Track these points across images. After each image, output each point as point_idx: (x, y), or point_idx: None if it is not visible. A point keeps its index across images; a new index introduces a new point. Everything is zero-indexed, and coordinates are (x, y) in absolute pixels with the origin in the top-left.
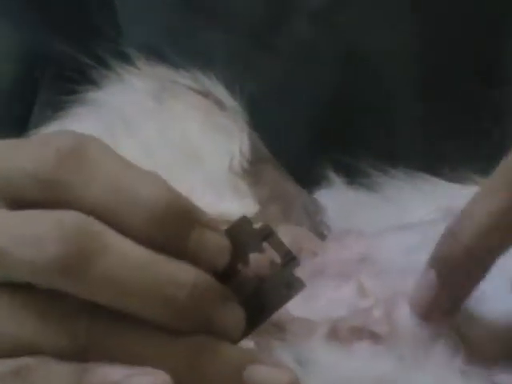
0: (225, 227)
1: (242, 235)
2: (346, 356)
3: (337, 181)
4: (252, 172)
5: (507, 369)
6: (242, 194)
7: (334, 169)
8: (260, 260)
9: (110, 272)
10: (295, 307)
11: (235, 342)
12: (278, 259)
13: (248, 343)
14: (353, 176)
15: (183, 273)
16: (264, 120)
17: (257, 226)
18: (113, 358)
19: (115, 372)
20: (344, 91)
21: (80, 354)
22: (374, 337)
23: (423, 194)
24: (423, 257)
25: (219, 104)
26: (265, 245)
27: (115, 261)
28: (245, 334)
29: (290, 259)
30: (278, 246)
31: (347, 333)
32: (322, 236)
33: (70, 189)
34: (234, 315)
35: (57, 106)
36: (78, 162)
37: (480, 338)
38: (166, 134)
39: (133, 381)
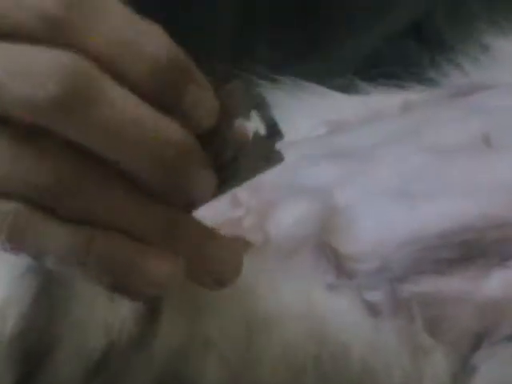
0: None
1: (232, 99)
2: None
3: None
4: None
5: (378, 285)
6: None
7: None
8: (244, 127)
9: (105, 119)
10: None
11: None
12: (263, 130)
13: None
14: None
15: (174, 132)
16: None
17: (251, 93)
18: (91, 206)
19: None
20: None
21: (61, 194)
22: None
23: (309, 105)
24: (299, 174)
25: None
26: (253, 114)
27: (111, 110)
28: (212, 196)
29: (275, 132)
30: (267, 117)
31: None
32: None
33: (75, 32)
34: (207, 183)
35: None
36: (86, 6)
37: (351, 254)
38: None
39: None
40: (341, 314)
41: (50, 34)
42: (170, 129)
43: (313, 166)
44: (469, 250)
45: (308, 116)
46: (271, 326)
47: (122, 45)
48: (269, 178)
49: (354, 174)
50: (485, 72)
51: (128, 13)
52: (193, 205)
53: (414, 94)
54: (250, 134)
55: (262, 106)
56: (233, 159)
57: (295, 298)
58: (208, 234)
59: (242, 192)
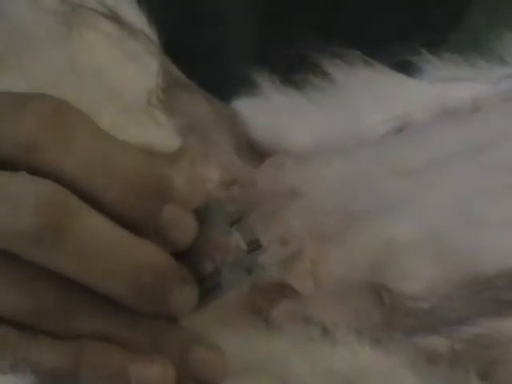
0: (197, 206)
1: (212, 216)
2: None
3: (264, 82)
4: (167, 100)
5: (434, 326)
6: (163, 127)
7: (260, 64)
8: (225, 241)
9: (81, 248)
10: None
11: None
12: (244, 245)
13: None
14: (287, 71)
15: (150, 255)
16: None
17: (229, 209)
18: (76, 325)
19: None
20: None
21: (46, 317)
22: (295, 296)
23: (378, 92)
24: (358, 196)
25: (129, 28)
26: (233, 229)
27: (86, 238)
28: (195, 308)
29: (256, 246)
30: (247, 232)
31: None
32: (249, 152)
33: (48, 154)
34: (188, 299)
35: None
36: (58, 128)
37: (406, 292)
38: (78, 63)
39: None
40: (390, 376)
41: (23, 158)
42: (145, 252)
43: (372, 188)
44: None
45: (375, 108)
46: None
47: (96, 165)
48: (325, 197)
49: (413, 197)
50: None
51: (101, 133)
52: (175, 318)
53: (485, 85)
54: (231, 248)
55: (241, 222)
56: (214, 271)
57: (338, 365)
58: (192, 338)
59: (294, 219)
